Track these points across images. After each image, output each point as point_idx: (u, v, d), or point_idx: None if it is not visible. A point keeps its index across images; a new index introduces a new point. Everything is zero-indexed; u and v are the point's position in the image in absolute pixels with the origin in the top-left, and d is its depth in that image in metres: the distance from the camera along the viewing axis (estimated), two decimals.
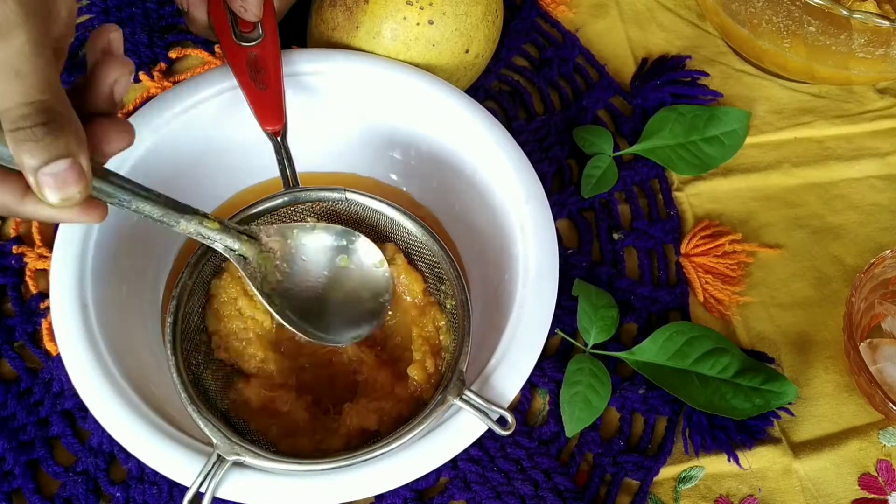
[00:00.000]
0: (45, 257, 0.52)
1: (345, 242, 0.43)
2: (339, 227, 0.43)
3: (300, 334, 0.41)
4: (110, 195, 0.34)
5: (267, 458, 0.38)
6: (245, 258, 0.40)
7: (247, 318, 0.43)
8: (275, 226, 0.42)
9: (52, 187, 0.30)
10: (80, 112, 0.32)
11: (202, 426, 0.39)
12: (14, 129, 0.30)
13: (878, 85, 0.66)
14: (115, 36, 0.35)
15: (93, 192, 0.33)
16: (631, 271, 0.56)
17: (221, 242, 0.39)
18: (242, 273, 0.40)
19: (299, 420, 0.42)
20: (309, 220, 0.45)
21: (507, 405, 0.40)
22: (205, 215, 0.38)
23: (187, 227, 0.37)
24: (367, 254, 0.44)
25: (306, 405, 0.43)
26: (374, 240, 0.45)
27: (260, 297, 0.40)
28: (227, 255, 0.40)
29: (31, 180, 0.30)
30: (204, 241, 0.39)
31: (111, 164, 0.45)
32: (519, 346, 0.42)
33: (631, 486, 0.49)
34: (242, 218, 0.44)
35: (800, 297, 0.56)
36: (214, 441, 0.38)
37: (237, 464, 0.38)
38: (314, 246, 0.43)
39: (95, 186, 0.33)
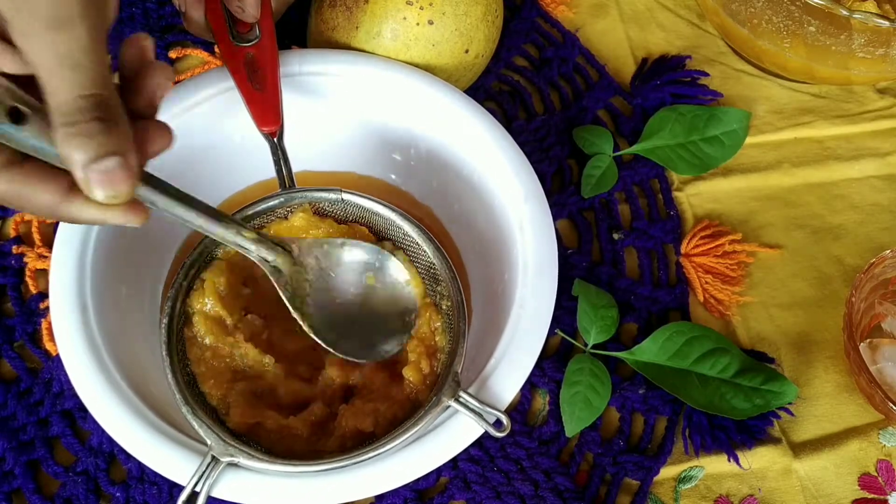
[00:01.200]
0: (45, 257, 0.52)
1: (374, 260, 0.43)
2: (369, 244, 0.43)
3: (329, 349, 0.41)
4: (151, 199, 0.33)
5: (261, 459, 0.38)
6: (279, 270, 0.40)
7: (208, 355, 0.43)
8: (307, 240, 0.42)
9: (101, 184, 0.30)
10: None
11: (196, 427, 0.39)
12: (67, 123, 0.29)
13: (878, 85, 0.65)
14: (147, 44, 0.34)
15: (138, 194, 0.33)
16: (631, 271, 0.56)
17: (257, 253, 0.39)
18: (276, 285, 0.40)
19: (292, 426, 0.42)
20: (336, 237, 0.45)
21: (505, 406, 0.40)
22: (242, 225, 0.38)
23: (225, 235, 0.37)
24: (396, 272, 0.44)
25: (300, 422, 0.42)
26: (370, 240, 0.45)
27: (292, 309, 0.40)
28: (262, 266, 0.40)
29: (79, 176, 0.30)
30: (240, 251, 0.39)
31: None
32: (518, 347, 0.42)
33: (631, 486, 0.49)
34: (239, 218, 0.44)
35: (800, 297, 0.56)
36: (209, 442, 0.38)
37: (232, 464, 0.38)
38: (343, 262, 0.43)
39: (140, 190, 0.33)
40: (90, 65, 0.29)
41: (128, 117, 0.31)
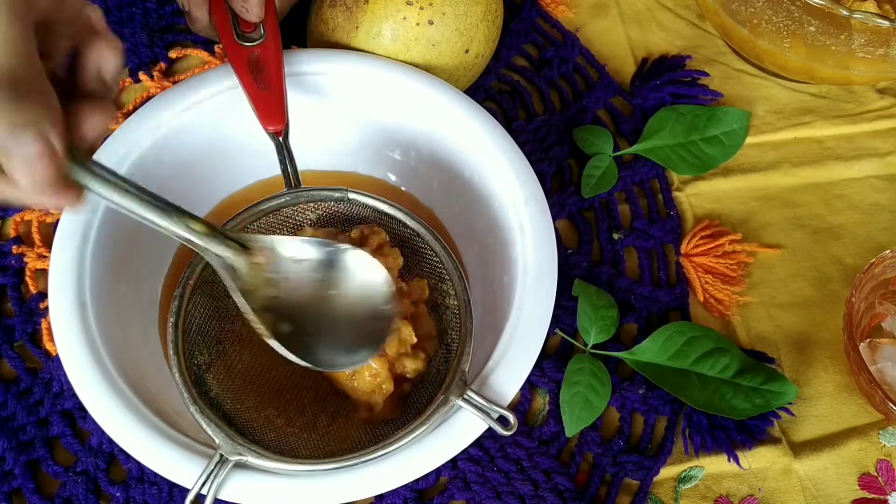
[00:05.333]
0: (45, 257, 0.52)
1: (342, 255, 0.40)
2: (336, 241, 0.40)
3: (292, 357, 0.38)
4: (88, 184, 0.31)
5: (270, 457, 0.38)
6: (233, 268, 0.37)
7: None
8: (267, 236, 0.39)
9: (20, 162, 0.28)
10: (70, 96, 0.30)
11: (204, 426, 0.38)
12: None
13: (878, 85, 0.66)
14: (94, 14, 0.33)
15: (73, 177, 0.31)
16: (631, 271, 0.56)
17: (207, 247, 0.36)
18: (229, 284, 0.37)
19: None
20: (306, 229, 0.44)
21: (506, 405, 0.40)
22: (192, 217, 0.35)
23: (171, 228, 0.34)
24: (368, 268, 0.40)
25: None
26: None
27: (249, 312, 0.37)
28: (212, 263, 0.37)
29: None
30: (189, 245, 0.36)
31: (108, 163, 0.45)
32: (518, 347, 0.42)
33: (631, 486, 0.49)
34: (245, 217, 0.44)
35: (800, 297, 0.56)
36: (217, 441, 0.38)
37: (238, 465, 0.38)
38: (309, 259, 0.39)
39: (76, 173, 0.31)
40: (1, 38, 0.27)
41: (68, 96, 0.30)
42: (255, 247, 0.38)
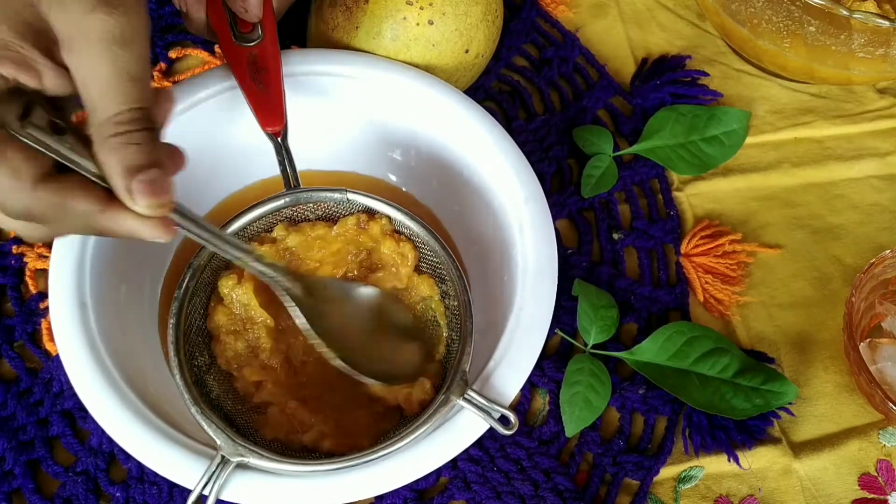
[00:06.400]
0: (45, 257, 0.52)
1: (375, 296, 0.44)
2: (379, 289, 0.44)
3: (357, 376, 0.41)
4: (178, 219, 0.34)
5: (271, 458, 0.38)
6: (292, 296, 0.40)
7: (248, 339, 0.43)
8: (321, 277, 0.43)
9: (145, 193, 0.31)
10: None
11: (206, 427, 0.38)
12: (118, 133, 0.30)
13: (878, 85, 0.65)
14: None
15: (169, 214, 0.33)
16: (631, 271, 0.56)
17: (277, 278, 0.40)
18: (291, 307, 0.40)
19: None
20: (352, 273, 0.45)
21: (508, 405, 0.40)
22: (262, 254, 0.39)
23: (247, 260, 0.38)
24: (399, 307, 0.44)
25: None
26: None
27: (312, 334, 0.40)
28: (275, 291, 0.40)
29: (123, 184, 0.31)
30: (261, 278, 0.40)
31: None
32: (518, 347, 0.42)
33: (631, 486, 0.49)
34: (247, 220, 0.44)
35: (800, 297, 0.56)
36: (218, 442, 0.38)
37: (240, 465, 0.38)
38: (349, 297, 0.43)
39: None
40: (144, 79, 0.31)
41: None
42: (312, 282, 0.42)
